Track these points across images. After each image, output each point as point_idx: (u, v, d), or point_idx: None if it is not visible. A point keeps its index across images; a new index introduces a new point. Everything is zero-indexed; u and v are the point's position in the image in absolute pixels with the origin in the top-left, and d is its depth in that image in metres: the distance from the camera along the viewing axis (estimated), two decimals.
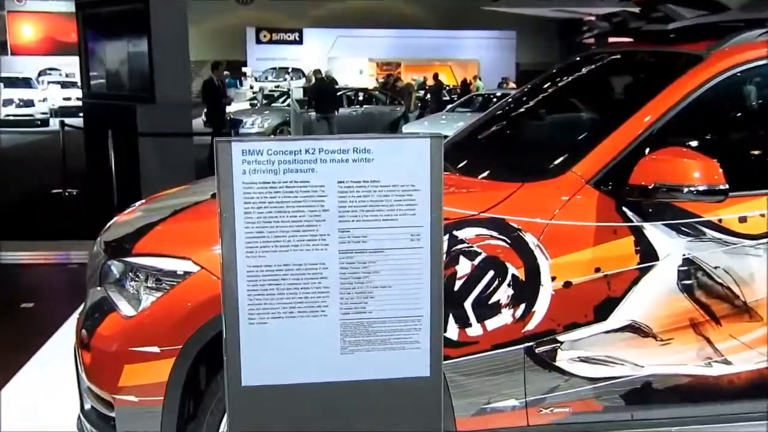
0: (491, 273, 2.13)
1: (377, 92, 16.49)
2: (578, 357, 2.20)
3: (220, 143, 1.56)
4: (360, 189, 1.60)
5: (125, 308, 2.18)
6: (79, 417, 2.45)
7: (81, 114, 9.90)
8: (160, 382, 2.08)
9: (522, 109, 3.21)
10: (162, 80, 7.30)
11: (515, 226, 2.16)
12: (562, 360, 2.20)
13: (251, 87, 21.53)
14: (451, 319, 2.12)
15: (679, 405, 2.30)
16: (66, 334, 3.86)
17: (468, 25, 26.50)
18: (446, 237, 2.12)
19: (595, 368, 2.22)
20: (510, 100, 3.34)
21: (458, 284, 2.12)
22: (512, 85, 20.89)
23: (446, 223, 2.15)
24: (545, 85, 3.23)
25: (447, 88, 20.86)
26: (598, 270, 2.16)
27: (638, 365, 2.24)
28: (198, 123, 14.07)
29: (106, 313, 2.21)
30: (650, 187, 2.12)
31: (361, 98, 15.40)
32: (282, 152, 1.55)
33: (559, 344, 2.18)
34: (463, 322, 2.13)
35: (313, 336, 1.61)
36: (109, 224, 2.74)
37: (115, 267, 2.34)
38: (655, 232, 2.20)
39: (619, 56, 3.07)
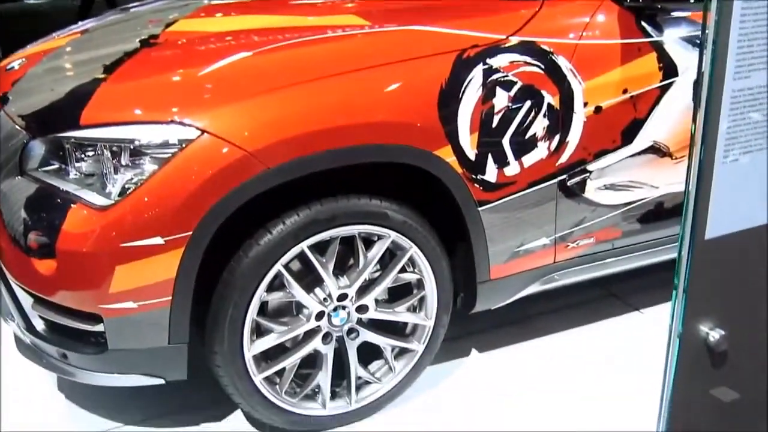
0: (528, 103, 2.13)
1: None
2: (604, 185, 2.35)
3: None
4: None
5: (93, 197, 1.87)
6: (21, 343, 2.14)
7: None
8: (167, 279, 1.87)
9: None
10: None
11: (547, 48, 2.15)
12: (591, 190, 2.33)
13: None
14: (489, 159, 2.13)
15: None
16: None
17: None
18: (480, 66, 2.08)
19: (618, 195, 2.39)
20: None
21: (496, 119, 2.10)
22: None
23: (477, 51, 2.11)
24: None
25: None
26: (625, 91, 2.26)
27: (654, 186, 2.45)
28: None
29: (65, 207, 1.88)
30: None
31: None
32: None
33: (588, 174, 2.30)
34: (502, 162, 2.14)
35: None
36: None
37: (50, 145, 1.97)
38: (674, 47, 2.33)
39: None
